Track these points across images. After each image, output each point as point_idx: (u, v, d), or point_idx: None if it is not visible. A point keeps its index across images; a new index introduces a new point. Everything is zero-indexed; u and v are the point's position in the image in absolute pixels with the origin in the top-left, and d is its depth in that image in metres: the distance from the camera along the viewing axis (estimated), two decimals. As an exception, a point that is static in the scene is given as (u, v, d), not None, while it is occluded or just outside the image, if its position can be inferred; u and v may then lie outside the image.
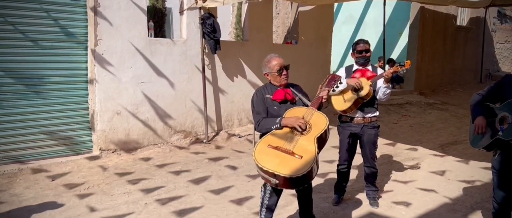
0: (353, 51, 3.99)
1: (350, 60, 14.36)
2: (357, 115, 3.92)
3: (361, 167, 4.74)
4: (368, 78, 3.83)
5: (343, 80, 3.85)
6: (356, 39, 4.09)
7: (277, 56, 3.18)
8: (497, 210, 3.28)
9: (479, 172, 5.16)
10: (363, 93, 3.76)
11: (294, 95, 3.20)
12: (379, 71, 3.95)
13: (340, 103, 3.91)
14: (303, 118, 2.91)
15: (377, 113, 3.99)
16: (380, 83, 3.85)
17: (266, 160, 2.73)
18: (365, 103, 3.86)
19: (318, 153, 2.80)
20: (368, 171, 4.12)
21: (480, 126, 3.14)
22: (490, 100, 3.23)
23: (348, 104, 3.85)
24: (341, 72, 4.02)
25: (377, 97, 3.92)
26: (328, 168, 5.08)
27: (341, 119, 4.05)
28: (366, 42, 3.96)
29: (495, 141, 3.09)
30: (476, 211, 4.06)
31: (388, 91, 3.88)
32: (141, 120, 5.95)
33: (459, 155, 5.98)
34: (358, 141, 4.06)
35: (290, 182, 2.70)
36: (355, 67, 3.99)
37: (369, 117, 3.92)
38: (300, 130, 2.87)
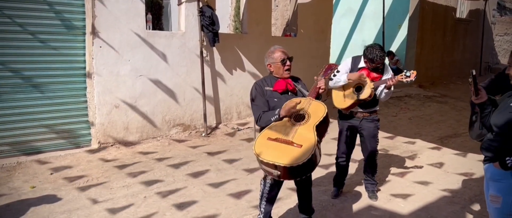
0: (368, 61, 3.77)
1: (349, 53, 14.30)
2: (357, 109, 3.90)
3: (360, 160, 4.74)
4: (372, 79, 3.76)
5: (344, 74, 3.82)
6: (368, 45, 3.80)
7: (282, 47, 3.17)
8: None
9: (478, 164, 5.16)
10: (363, 96, 3.72)
11: (294, 85, 3.19)
12: (386, 69, 3.89)
13: (340, 101, 3.89)
14: (297, 102, 2.90)
15: (377, 108, 3.97)
16: (382, 86, 3.80)
17: (266, 152, 2.72)
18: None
19: (318, 142, 2.79)
20: (368, 165, 4.11)
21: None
22: (490, 92, 3.21)
23: (348, 103, 3.82)
24: (348, 62, 3.96)
25: (377, 96, 3.89)
26: (328, 160, 5.08)
27: (340, 113, 4.03)
28: (383, 56, 3.73)
29: None
30: (475, 203, 4.07)
31: (389, 96, 3.88)
32: (140, 113, 5.93)
33: (458, 148, 5.98)
34: (358, 134, 4.05)
35: (291, 171, 2.69)
36: (362, 64, 3.87)
37: (368, 111, 3.90)
38: (297, 101, 2.85)
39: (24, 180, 4.45)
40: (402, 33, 12.08)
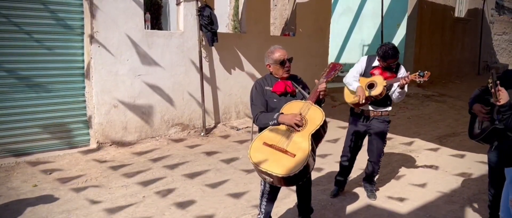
0: (380, 58, 3.77)
1: (348, 52, 14.22)
2: (368, 108, 3.87)
3: (360, 160, 4.73)
4: (385, 78, 3.75)
5: (357, 72, 3.83)
6: (383, 43, 3.82)
7: (281, 48, 3.14)
8: (493, 202, 3.29)
9: (477, 164, 5.17)
10: (375, 93, 3.71)
11: (294, 87, 3.17)
12: (400, 70, 3.86)
13: (351, 96, 3.88)
14: (300, 114, 2.89)
15: (389, 108, 3.93)
16: (395, 85, 3.78)
17: (260, 158, 2.72)
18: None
19: (313, 150, 2.77)
20: (371, 167, 4.08)
21: (479, 111, 3.11)
22: (489, 93, 3.22)
23: (358, 99, 3.81)
24: (362, 61, 3.94)
25: (390, 95, 3.87)
26: (327, 160, 5.08)
27: (353, 111, 4.01)
28: (395, 55, 3.70)
29: (493, 131, 3.09)
30: (473, 203, 4.07)
31: (402, 97, 3.85)
32: (138, 113, 5.92)
33: (457, 147, 5.99)
34: (367, 135, 4.02)
35: (284, 181, 2.71)
36: (376, 63, 3.86)
37: (380, 111, 3.88)
38: (298, 129, 2.85)
39: (23, 180, 4.44)
40: (401, 32, 12.09)
